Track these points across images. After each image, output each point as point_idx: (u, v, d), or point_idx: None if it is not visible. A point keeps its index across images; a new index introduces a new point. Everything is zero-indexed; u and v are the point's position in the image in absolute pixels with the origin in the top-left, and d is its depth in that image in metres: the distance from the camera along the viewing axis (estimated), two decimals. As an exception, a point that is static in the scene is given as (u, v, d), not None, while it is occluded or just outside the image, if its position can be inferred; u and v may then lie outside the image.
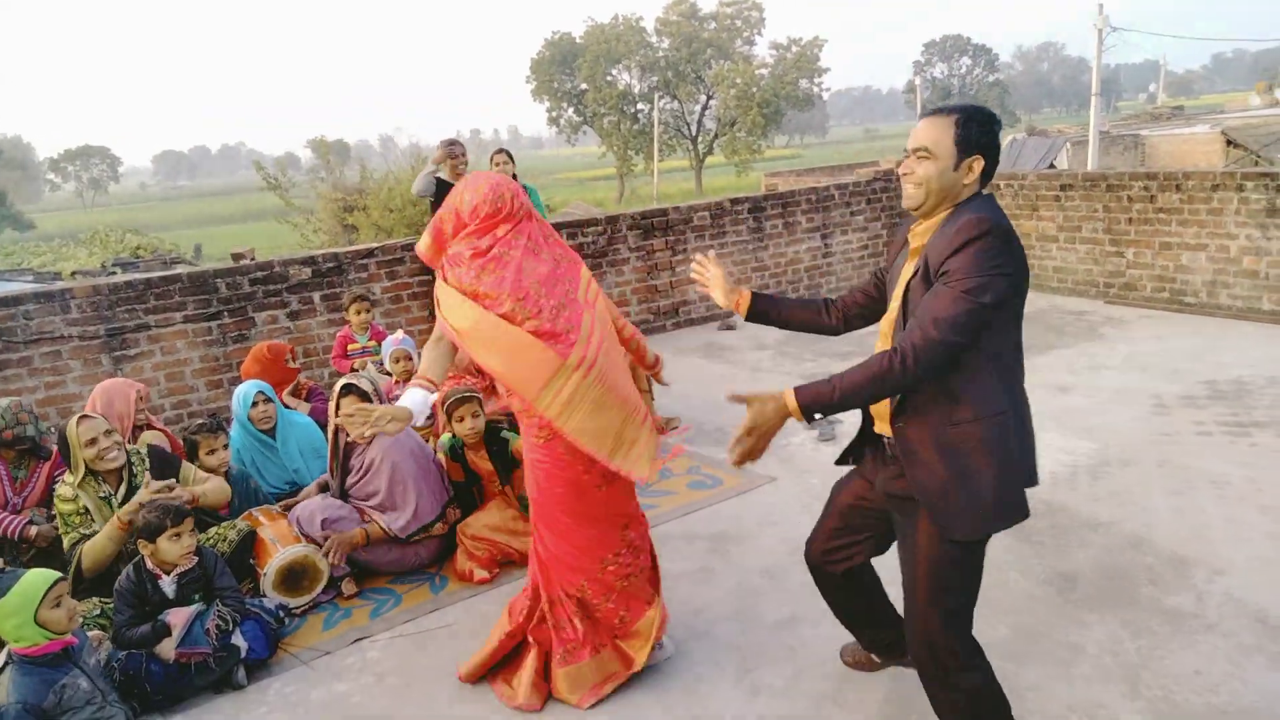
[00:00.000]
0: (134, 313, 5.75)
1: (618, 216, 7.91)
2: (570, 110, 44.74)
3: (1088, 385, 5.63)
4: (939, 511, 2.06)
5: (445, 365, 2.73)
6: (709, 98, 43.31)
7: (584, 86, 43.35)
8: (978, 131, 2.00)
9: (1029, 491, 2.14)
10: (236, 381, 5.02)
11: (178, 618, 3.06)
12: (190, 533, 3.15)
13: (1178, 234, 7.28)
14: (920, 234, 2.08)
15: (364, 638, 3.39)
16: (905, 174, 2.06)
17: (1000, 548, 3.68)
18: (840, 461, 2.47)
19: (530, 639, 2.96)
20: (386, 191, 15.97)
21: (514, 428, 4.13)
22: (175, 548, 3.11)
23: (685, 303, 8.15)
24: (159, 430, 4.39)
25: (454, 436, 4.00)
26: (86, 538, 3.43)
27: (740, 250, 8.41)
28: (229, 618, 3.14)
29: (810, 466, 4.67)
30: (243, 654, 3.13)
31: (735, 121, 40.55)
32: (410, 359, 4.88)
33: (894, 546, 2.36)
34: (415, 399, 2.57)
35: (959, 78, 67.56)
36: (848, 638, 3.11)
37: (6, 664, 2.55)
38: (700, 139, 44.36)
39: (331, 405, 3.79)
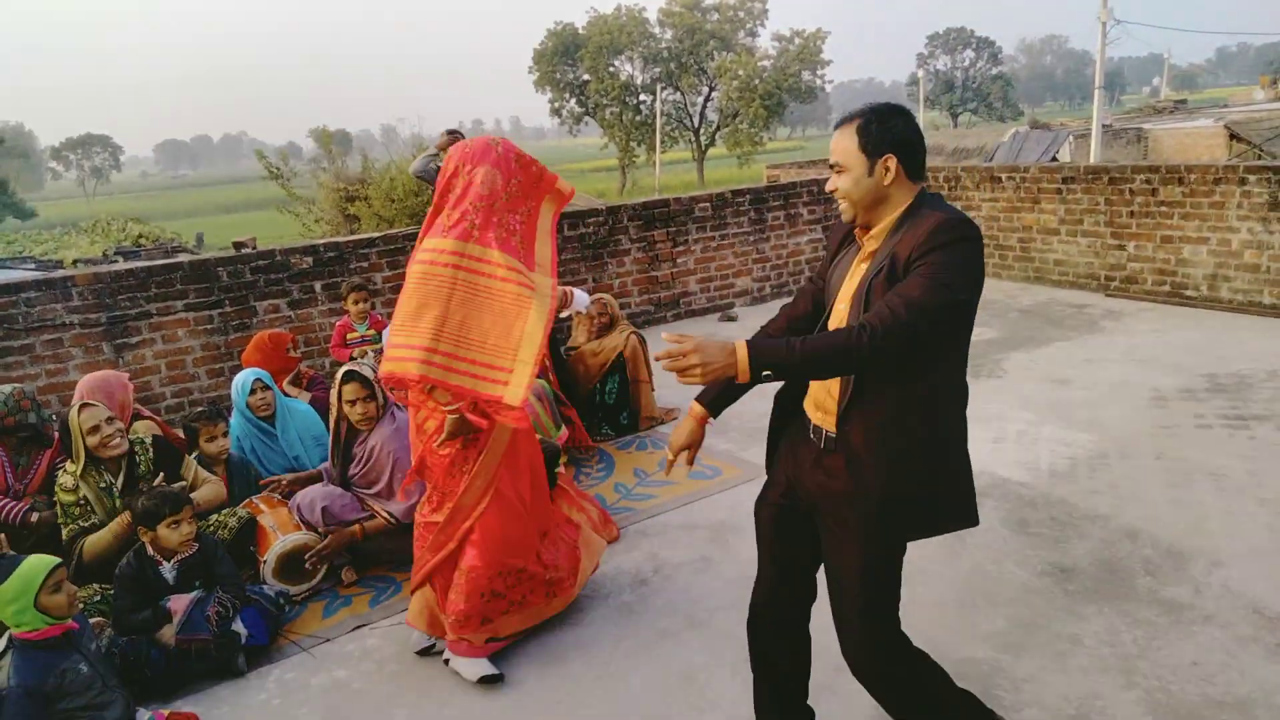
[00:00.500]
0: (135, 301, 5.76)
1: (619, 207, 7.90)
2: (572, 101, 44.63)
3: (1087, 378, 5.64)
4: (884, 513, 2.01)
5: None
6: (711, 89, 43.18)
7: (586, 77, 43.22)
8: (879, 130, 1.97)
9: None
10: (237, 370, 5.02)
11: (178, 604, 3.08)
12: (190, 520, 3.16)
13: (1179, 227, 7.26)
14: (873, 238, 2.04)
15: (364, 625, 3.40)
16: (830, 190, 2.06)
17: (998, 539, 3.70)
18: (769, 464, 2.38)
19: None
20: (388, 182, 15.94)
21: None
22: (174, 535, 3.12)
23: (686, 294, 8.15)
24: (150, 419, 4.40)
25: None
26: (85, 530, 3.44)
27: (742, 242, 8.41)
28: (229, 604, 3.15)
29: (810, 458, 4.68)
30: (243, 640, 3.14)
31: (737, 113, 40.45)
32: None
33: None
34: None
35: (962, 70, 67.30)
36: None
37: (8, 648, 2.56)
38: (702, 130, 44.26)
39: (333, 393, 3.80)
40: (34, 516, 3.72)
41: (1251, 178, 6.78)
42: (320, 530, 3.69)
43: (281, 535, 3.61)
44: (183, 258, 6.39)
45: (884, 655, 2.15)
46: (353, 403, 3.70)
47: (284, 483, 4.01)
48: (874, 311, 1.87)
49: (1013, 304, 7.74)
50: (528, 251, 2.89)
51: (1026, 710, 2.67)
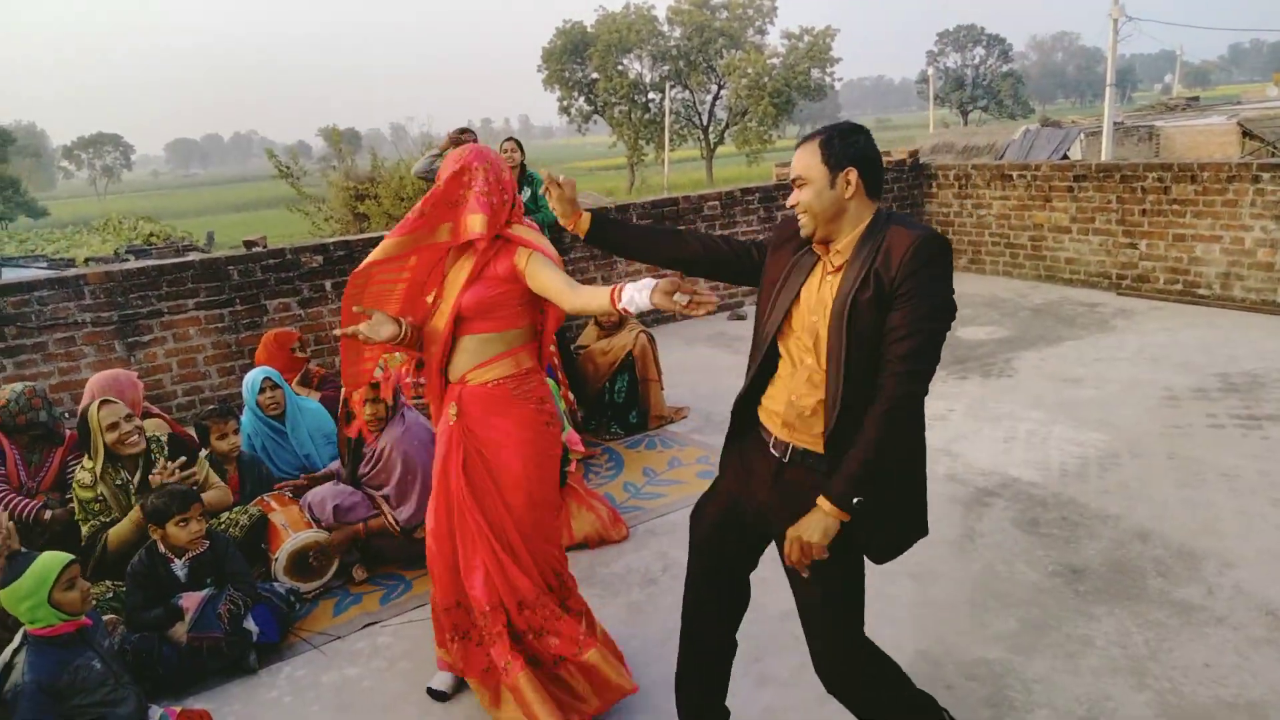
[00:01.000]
0: (147, 299, 5.78)
1: (628, 206, 7.90)
2: (581, 99, 44.60)
3: (1098, 377, 5.61)
4: (885, 538, 2.07)
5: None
6: (720, 87, 43.09)
7: (595, 76, 43.19)
8: (840, 145, 2.01)
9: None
10: (248, 368, 5.04)
11: (190, 601, 3.09)
12: (199, 519, 3.18)
13: (1192, 226, 7.22)
14: (839, 254, 2.04)
15: (374, 623, 3.41)
16: (791, 205, 2.08)
17: (1009, 540, 3.69)
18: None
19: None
20: (398, 180, 15.99)
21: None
22: (183, 533, 3.13)
23: (695, 293, 8.13)
24: (159, 417, 4.42)
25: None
26: (106, 526, 3.47)
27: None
28: (241, 602, 3.17)
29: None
30: (254, 638, 3.16)
31: (746, 111, 40.36)
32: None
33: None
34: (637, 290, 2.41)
35: (972, 68, 66.97)
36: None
37: (22, 644, 2.58)
38: (711, 129, 44.17)
39: (343, 393, 3.80)
40: (47, 514, 3.75)
41: (1265, 175, 6.74)
42: (328, 528, 3.71)
43: (293, 533, 3.62)
44: (194, 256, 6.42)
45: (857, 666, 2.18)
46: (362, 404, 3.70)
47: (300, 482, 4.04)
48: (893, 375, 1.91)
49: (1023, 303, 7.71)
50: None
51: (1038, 711, 2.66)
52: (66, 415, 5.05)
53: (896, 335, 1.91)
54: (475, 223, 2.60)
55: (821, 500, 1.96)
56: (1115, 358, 5.99)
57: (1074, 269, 8.16)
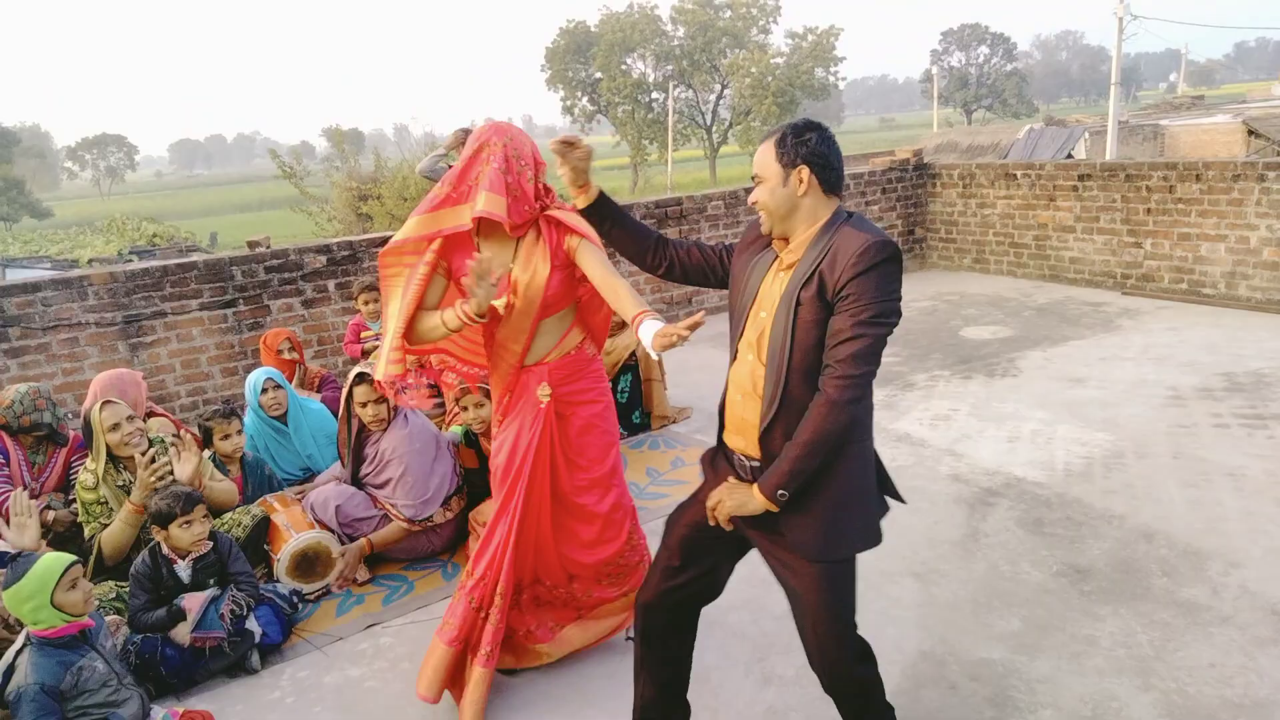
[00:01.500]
0: (150, 300, 5.79)
1: (631, 205, 7.89)
2: (585, 99, 44.64)
3: (1103, 377, 5.59)
4: (812, 536, 2.05)
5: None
6: (724, 87, 43.11)
7: (598, 75, 43.23)
8: (794, 143, 2.02)
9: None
10: (251, 368, 5.04)
11: (193, 602, 3.09)
12: (202, 520, 3.17)
13: (1197, 225, 7.20)
14: (792, 251, 2.06)
15: (377, 623, 3.41)
16: (752, 202, 2.11)
17: (1013, 539, 3.67)
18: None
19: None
20: (401, 180, 15.99)
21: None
22: (186, 535, 3.13)
23: (699, 292, 8.13)
24: (164, 416, 4.43)
25: (466, 424, 4.02)
26: (105, 528, 3.47)
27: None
28: (243, 603, 3.17)
29: (823, 457, 4.66)
30: (257, 639, 3.16)
31: (750, 111, 40.36)
32: (423, 347, 4.89)
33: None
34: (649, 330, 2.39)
35: (976, 66, 66.88)
36: (861, 627, 3.11)
37: (25, 646, 2.58)
38: (715, 128, 44.19)
39: (344, 393, 3.80)
40: (50, 515, 3.75)
41: (1270, 174, 6.71)
42: (333, 529, 3.71)
43: (295, 534, 3.62)
44: (197, 257, 6.42)
45: (852, 663, 2.19)
46: (364, 405, 3.71)
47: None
48: (830, 377, 1.93)
49: (1028, 302, 7.69)
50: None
51: (1042, 712, 2.65)
52: (70, 416, 5.06)
53: (837, 339, 1.92)
54: (485, 201, 2.55)
55: (754, 488, 2.03)
56: (1120, 357, 5.97)
57: (1078, 268, 8.13)
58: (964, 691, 2.77)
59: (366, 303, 5.58)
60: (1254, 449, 4.36)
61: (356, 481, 3.87)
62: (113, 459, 3.51)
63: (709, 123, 44.23)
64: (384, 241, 6.54)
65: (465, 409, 3.90)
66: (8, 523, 3.62)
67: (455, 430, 4.12)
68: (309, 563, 3.60)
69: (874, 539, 2.13)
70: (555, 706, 2.87)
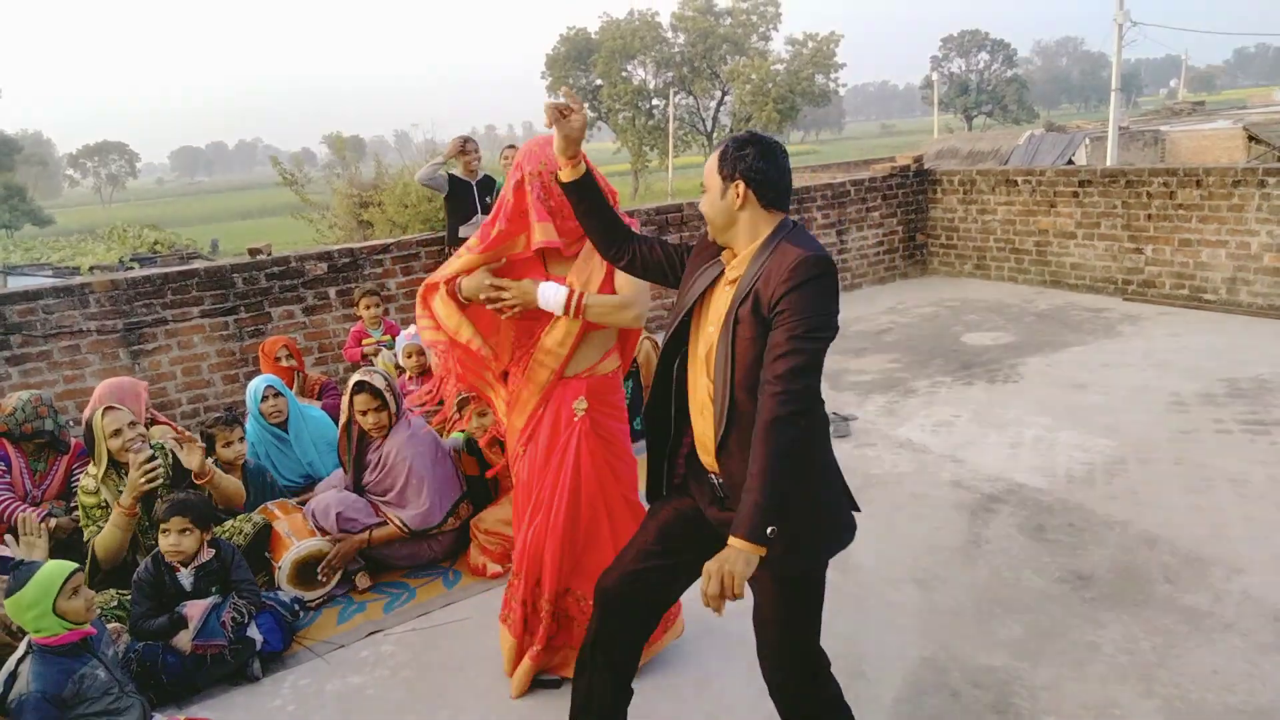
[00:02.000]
0: (151, 307, 5.80)
1: (632, 212, 7.89)
2: (585, 106, 44.72)
3: (1104, 383, 5.59)
4: (771, 551, 1.95)
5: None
6: (724, 93, 43.16)
7: (599, 82, 43.31)
8: (733, 158, 2.03)
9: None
10: (252, 376, 5.05)
11: (194, 610, 3.09)
12: (179, 532, 3.12)
13: (1197, 230, 7.20)
14: (736, 265, 2.07)
15: (378, 631, 3.41)
16: (700, 210, 2.14)
17: (1015, 546, 3.67)
18: (654, 495, 2.36)
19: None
20: (402, 187, 16.00)
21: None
22: (163, 541, 3.13)
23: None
24: (165, 424, 4.43)
25: (468, 432, 4.02)
26: (102, 531, 3.47)
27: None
28: (245, 610, 3.16)
29: (824, 463, 4.66)
30: (258, 646, 3.15)
31: (751, 117, 40.39)
32: (423, 354, 4.89)
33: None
34: (549, 292, 2.52)
35: (976, 73, 67.01)
36: (862, 633, 3.11)
37: (27, 654, 2.58)
38: (715, 134, 44.23)
39: (344, 401, 3.80)
40: (52, 522, 3.75)
41: (1271, 180, 6.72)
42: (334, 536, 3.71)
43: (296, 541, 3.62)
44: (198, 264, 6.43)
45: (805, 677, 2.17)
46: (364, 413, 3.71)
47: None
48: (771, 398, 1.88)
49: (1029, 308, 7.69)
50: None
51: (1045, 718, 2.65)
52: (71, 424, 5.06)
53: (774, 354, 1.91)
54: (539, 231, 2.65)
55: (732, 540, 1.86)
56: (1122, 363, 5.97)
57: (1079, 274, 8.14)
58: (966, 698, 2.76)
59: (368, 307, 5.59)
60: (1256, 455, 4.36)
61: (360, 489, 3.87)
62: (114, 464, 3.52)
63: (709, 129, 44.29)
64: (384, 249, 6.58)
65: (468, 418, 3.90)
66: (10, 531, 3.63)
67: (456, 436, 4.12)
68: (310, 570, 3.60)
69: (835, 550, 2.10)
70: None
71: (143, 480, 3.39)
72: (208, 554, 3.22)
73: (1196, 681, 2.76)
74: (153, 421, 4.38)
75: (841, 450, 4.80)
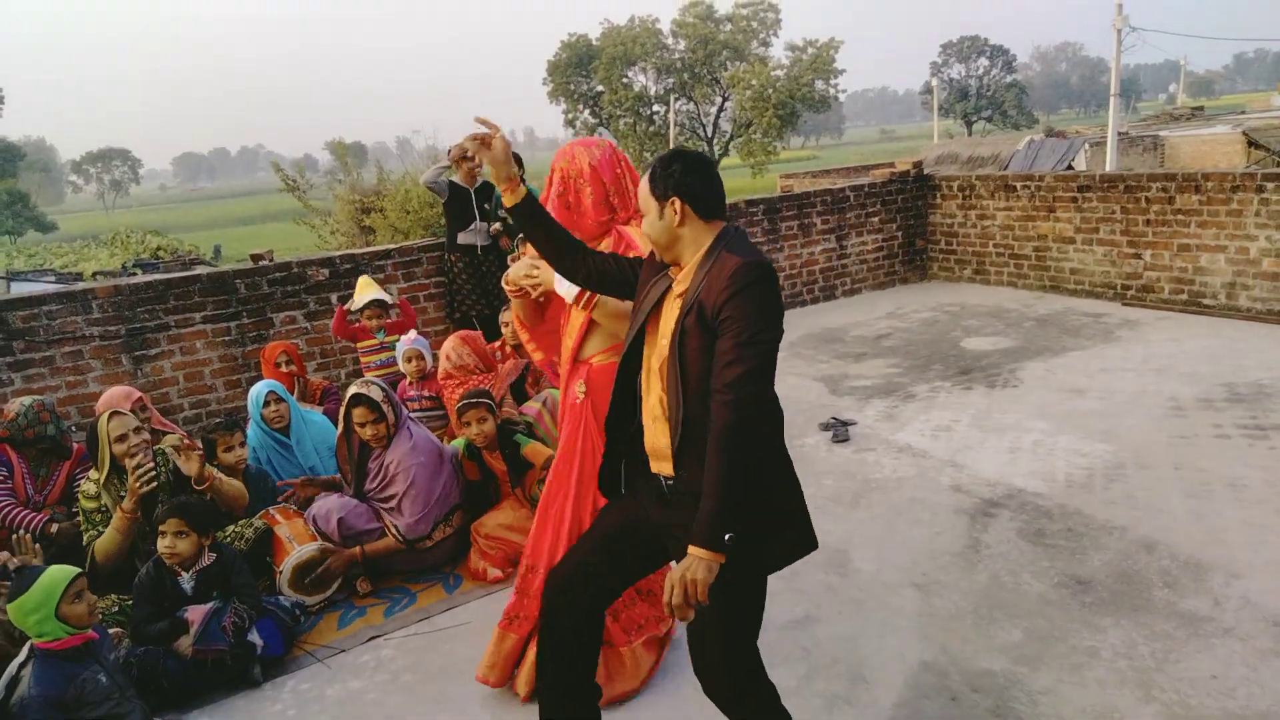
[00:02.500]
0: (154, 313, 5.82)
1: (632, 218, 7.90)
2: (586, 112, 44.77)
3: (1103, 388, 5.60)
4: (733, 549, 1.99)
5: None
6: (724, 99, 43.22)
7: (600, 88, 43.38)
8: (663, 175, 2.08)
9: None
10: (254, 381, 5.06)
11: (195, 614, 3.10)
12: (175, 534, 3.15)
13: (1196, 235, 7.22)
14: (682, 279, 2.10)
15: (379, 636, 3.41)
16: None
17: (1014, 551, 3.68)
18: (609, 492, 2.38)
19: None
20: (403, 193, 16.01)
21: (527, 431, 4.15)
22: (160, 543, 3.15)
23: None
24: (174, 433, 4.44)
25: (468, 438, 4.03)
26: (98, 537, 3.48)
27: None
28: (246, 615, 3.17)
29: (824, 467, 4.67)
30: (259, 651, 3.16)
31: (751, 123, 40.46)
32: (423, 358, 4.91)
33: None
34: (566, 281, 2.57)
35: (976, 78, 67.13)
36: (862, 637, 3.12)
37: (29, 658, 2.59)
38: (716, 140, 44.29)
39: (342, 412, 3.81)
40: (53, 527, 3.77)
41: (1270, 185, 6.73)
42: (335, 541, 3.72)
43: (297, 546, 3.63)
44: (200, 270, 6.45)
45: (739, 680, 2.19)
46: (363, 425, 3.72)
47: (299, 484, 4.05)
48: (721, 406, 1.91)
49: (1028, 313, 7.70)
50: None
51: (1043, 723, 2.65)
52: (73, 429, 5.08)
53: (721, 362, 1.94)
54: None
55: (692, 549, 1.90)
56: (1121, 368, 5.98)
57: (1079, 279, 8.15)
58: (965, 703, 2.77)
59: (369, 318, 5.58)
60: (1255, 460, 4.36)
61: (361, 496, 3.88)
62: (116, 470, 3.53)
63: (710, 135, 44.34)
64: (386, 254, 6.61)
65: (468, 424, 3.90)
66: (11, 535, 3.65)
67: (458, 443, 4.13)
68: (311, 575, 3.61)
69: (788, 558, 2.12)
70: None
71: (137, 483, 3.40)
72: (209, 558, 3.23)
73: (1195, 686, 2.76)
74: (163, 432, 4.41)
75: (841, 455, 4.81)
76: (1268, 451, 4.45)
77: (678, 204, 2.06)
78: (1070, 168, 19.69)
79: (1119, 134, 20.55)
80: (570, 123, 45.34)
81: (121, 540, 3.44)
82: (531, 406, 4.41)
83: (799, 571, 3.56)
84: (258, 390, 4.42)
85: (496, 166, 2.34)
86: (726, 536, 1.89)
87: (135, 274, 15.49)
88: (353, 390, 3.75)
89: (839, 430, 5.11)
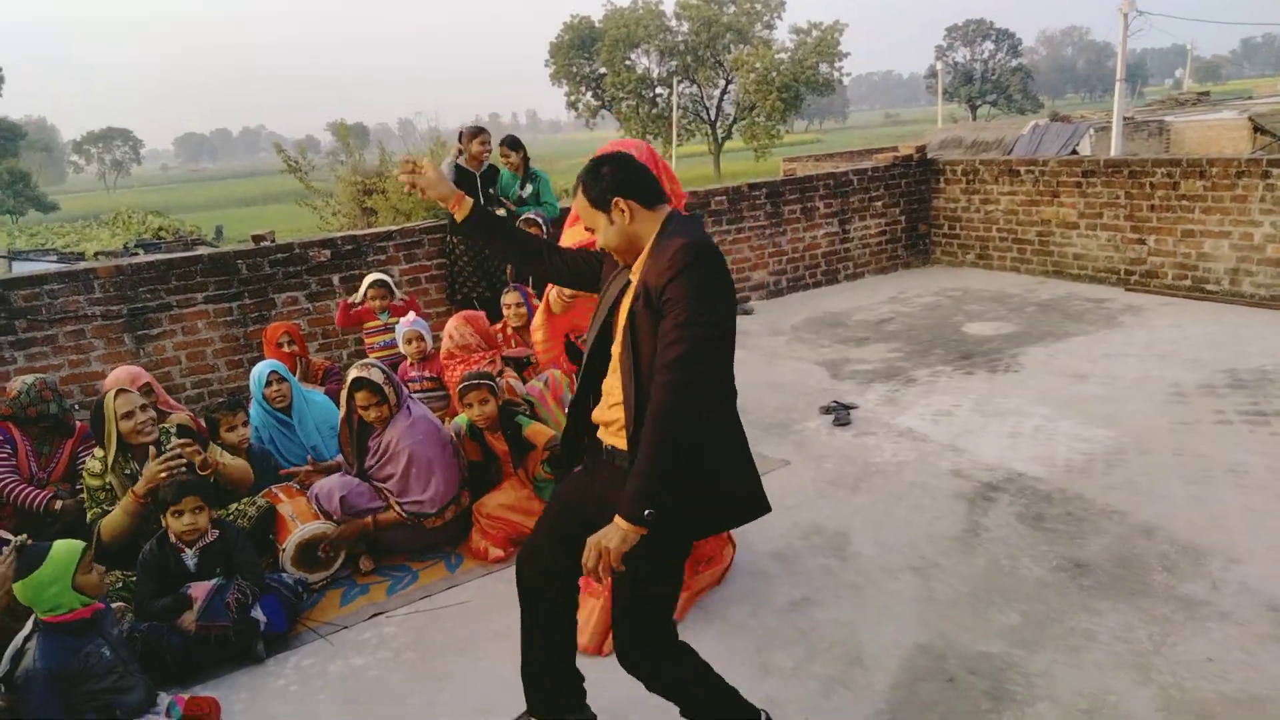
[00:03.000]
0: (156, 293, 5.82)
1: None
2: (589, 94, 44.59)
3: (1105, 373, 5.60)
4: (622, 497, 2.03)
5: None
6: (728, 82, 43.02)
7: (603, 70, 43.18)
8: (595, 184, 2.11)
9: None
10: (256, 361, 5.07)
11: (199, 591, 3.12)
12: (193, 511, 3.18)
13: (1200, 221, 7.19)
14: (636, 270, 2.12)
15: (381, 613, 3.44)
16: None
17: (1014, 534, 3.69)
18: (571, 466, 2.43)
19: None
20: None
21: (529, 412, 4.16)
22: (176, 524, 3.17)
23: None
24: (181, 412, 4.46)
25: (470, 417, 4.03)
26: (106, 513, 3.49)
27: (758, 235, 8.39)
28: (249, 592, 3.20)
29: (825, 451, 4.68)
30: (262, 627, 3.18)
31: (754, 106, 40.29)
32: (422, 339, 4.91)
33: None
34: None
35: (981, 62, 66.70)
36: (860, 621, 3.14)
37: (33, 632, 2.61)
38: (719, 123, 44.13)
39: (343, 395, 3.81)
40: (57, 504, 3.79)
41: (1275, 171, 6.70)
42: (337, 520, 3.73)
43: (300, 524, 3.65)
44: (202, 250, 6.45)
45: (653, 652, 2.21)
46: (366, 408, 3.73)
47: (302, 473, 4.06)
48: (660, 386, 1.94)
49: (1030, 298, 7.69)
50: None
51: (1039, 705, 2.67)
52: (76, 407, 5.09)
53: (663, 343, 1.96)
54: (566, 236, 2.97)
55: (617, 518, 1.96)
56: (1123, 353, 5.98)
57: (1082, 264, 8.13)
58: (962, 685, 2.79)
59: (373, 298, 5.58)
60: (1256, 445, 4.37)
61: (363, 474, 3.89)
62: (123, 447, 3.54)
63: (713, 118, 44.17)
64: (388, 235, 6.60)
65: (470, 405, 3.91)
66: (14, 512, 3.67)
67: (459, 420, 4.13)
68: (314, 553, 3.63)
69: (691, 536, 2.18)
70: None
71: (163, 474, 3.40)
72: (212, 535, 3.25)
73: (1192, 670, 2.78)
74: (169, 410, 4.42)
75: (842, 439, 4.82)
76: (1269, 437, 4.45)
77: (623, 203, 2.09)
78: (1075, 153, 19.61)
79: (1125, 119, 20.43)
80: (573, 105, 45.16)
81: (130, 523, 3.45)
82: (534, 386, 4.40)
83: (797, 554, 3.58)
84: (260, 370, 4.42)
85: (433, 188, 2.38)
86: (646, 512, 1.93)
87: (137, 254, 15.49)
88: (353, 374, 3.76)
89: (840, 414, 5.12)
